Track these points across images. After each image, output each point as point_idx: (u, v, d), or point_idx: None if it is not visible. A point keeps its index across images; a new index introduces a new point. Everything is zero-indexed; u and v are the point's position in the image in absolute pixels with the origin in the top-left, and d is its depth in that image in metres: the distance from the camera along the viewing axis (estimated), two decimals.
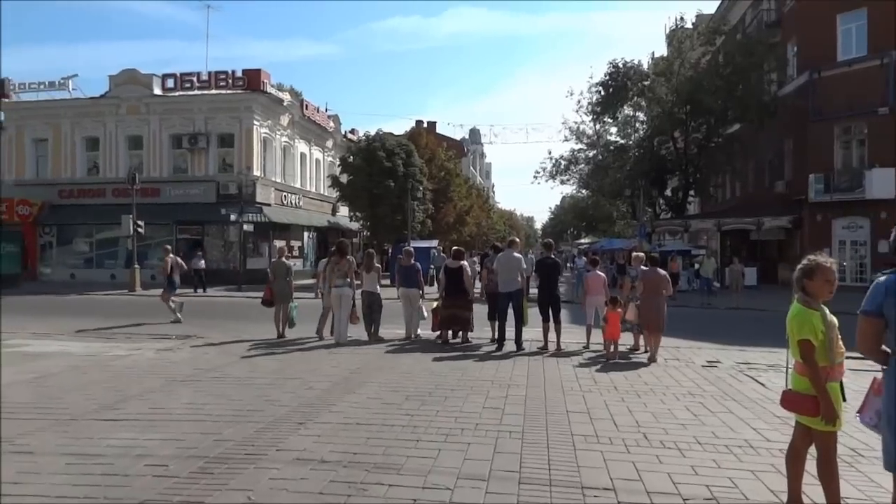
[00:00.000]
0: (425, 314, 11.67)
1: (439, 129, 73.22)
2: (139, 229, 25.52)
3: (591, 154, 38.48)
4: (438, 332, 11.37)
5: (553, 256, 11.13)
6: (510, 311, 10.38)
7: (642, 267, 10.14)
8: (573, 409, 6.23)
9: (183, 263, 16.46)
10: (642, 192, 32.78)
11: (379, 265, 11.95)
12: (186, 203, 29.97)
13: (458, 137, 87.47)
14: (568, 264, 37.87)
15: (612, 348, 9.58)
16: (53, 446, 5.06)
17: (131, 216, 25.16)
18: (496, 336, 10.55)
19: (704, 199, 38.42)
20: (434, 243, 31.74)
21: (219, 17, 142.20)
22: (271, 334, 11.93)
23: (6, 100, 32.00)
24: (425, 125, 62.47)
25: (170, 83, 30.85)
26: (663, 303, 9.37)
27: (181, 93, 30.82)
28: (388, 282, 19.61)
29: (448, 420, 5.78)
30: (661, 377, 8.03)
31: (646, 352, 9.99)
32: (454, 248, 12.01)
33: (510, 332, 10.40)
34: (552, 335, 10.29)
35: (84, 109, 31.68)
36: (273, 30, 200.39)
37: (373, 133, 34.32)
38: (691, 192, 34.79)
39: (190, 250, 28.75)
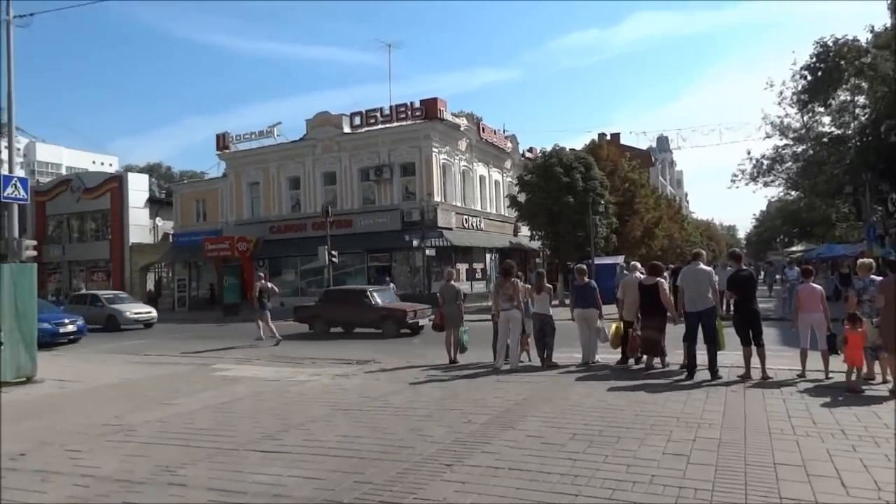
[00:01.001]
0: (607, 335, 10.61)
1: (623, 141, 70.27)
2: (333, 259, 27.32)
3: (799, 150, 33.88)
4: (622, 358, 10.31)
5: (746, 268, 9.53)
6: (700, 334, 8.99)
7: (873, 276, 8.21)
8: (783, 462, 4.91)
9: (275, 287, 18.16)
10: (868, 187, 27.86)
11: (550, 285, 11.15)
12: (375, 232, 31.67)
13: (644, 147, 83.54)
14: (777, 276, 33.54)
15: (853, 376, 7.84)
16: (206, 479, 5.04)
17: (326, 247, 27.04)
18: (686, 362, 9.20)
19: None
20: (620, 259, 29.91)
21: (401, 56, 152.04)
22: (445, 359, 11.69)
23: (227, 150, 36.61)
24: (608, 138, 60.15)
25: (357, 121, 33.05)
26: None
27: (367, 129, 32.84)
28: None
29: (617, 469, 4.83)
30: None
31: (884, 382, 8.00)
32: (652, 262, 10.82)
33: (702, 357, 9.00)
34: (755, 361, 8.69)
35: (287, 153, 35.12)
36: (452, 61, 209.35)
37: (549, 149, 33.54)
38: None
39: (379, 276, 30.33)
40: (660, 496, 4.25)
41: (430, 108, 31.32)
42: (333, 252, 27.39)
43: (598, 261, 27.67)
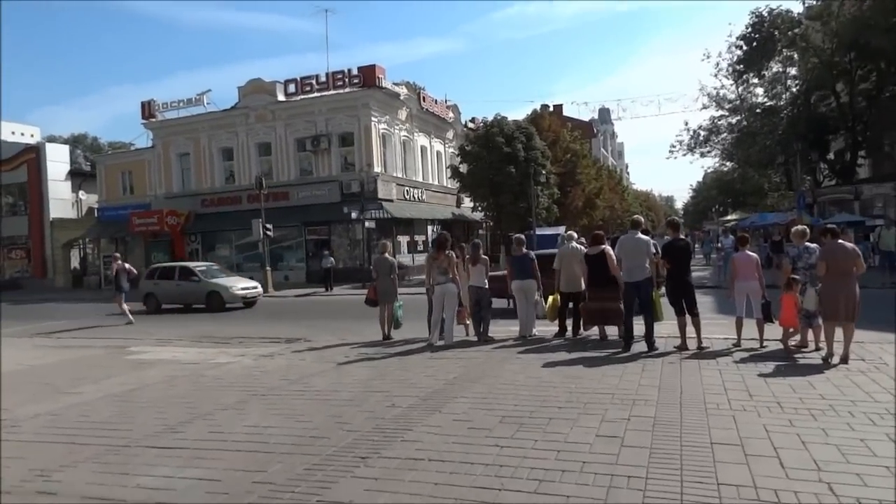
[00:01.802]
0: (544, 309, 10.31)
1: (566, 113, 70.33)
2: (268, 233, 26.27)
3: (734, 121, 34.56)
4: (559, 330, 10.04)
5: (683, 238, 9.30)
6: (637, 305, 8.75)
7: (808, 244, 8.14)
8: (720, 440, 4.62)
9: (132, 269, 17.82)
10: (799, 157, 28.71)
11: (486, 257, 10.69)
12: (313, 204, 30.63)
13: (586, 119, 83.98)
14: (714, 245, 34.35)
15: (784, 338, 7.98)
16: (82, 485, 4.39)
17: (261, 220, 25.93)
18: (622, 334, 8.97)
19: (877, 161, 33.10)
20: (561, 230, 29.91)
21: (339, 24, 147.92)
22: (380, 335, 11.18)
23: (153, 119, 34.59)
24: (550, 109, 60.04)
25: (291, 88, 31.68)
26: (855, 285, 7.36)
27: (302, 97, 31.52)
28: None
29: (546, 456, 4.44)
30: (844, 388, 6.09)
31: (817, 349, 7.95)
32: (594, 232, 10.47)
33: (639, 329, 8.77)
34: (691, 330, 8.52)
35: (218, 122, 33.42)
36: (393, 31, 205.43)
37: (491, 119, 33.06)
38: (861, 153, 29.96)
39: (318, 250, 29.44)
40: (590, 487, 3.86)
41: (368, 76, 30.25)
42: (268, 225, 26.34)
43: (539, 231, 27.60)
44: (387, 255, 11.41)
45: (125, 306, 17.02)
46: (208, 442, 5.27)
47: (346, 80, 30.54)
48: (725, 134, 35.63)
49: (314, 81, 31.13)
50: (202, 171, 33.96)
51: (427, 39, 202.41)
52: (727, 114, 34.64)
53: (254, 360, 9.72)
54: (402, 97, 33.08)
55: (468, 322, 10.57)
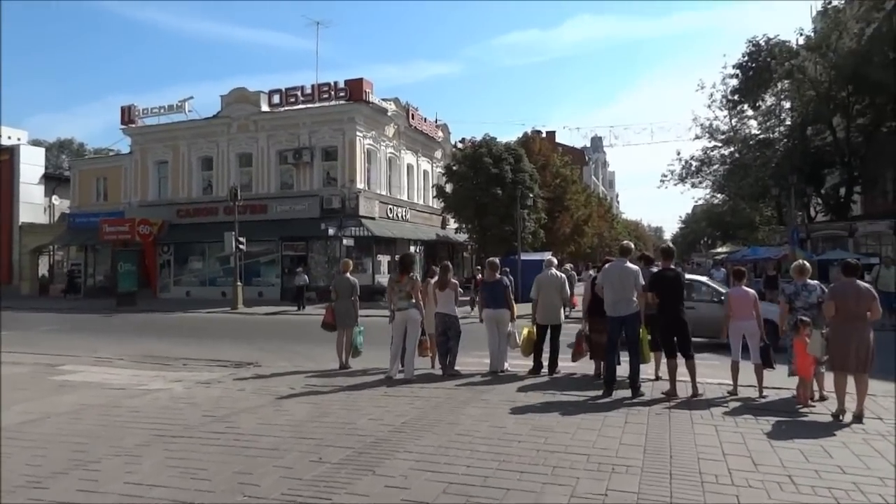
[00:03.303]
0: (518, 341, 9.25)
1: (558, 140, 69.85)
2: (241, 246, 25.10)
3: (726, 152, 33.96)
4: (534, 366, 8.97)
5: (674, 267, 8.21)
6: (621, 344, 7.71)
7: (808, 280, 7.20)
8: None
9: None
10: (793, 191, 27.96)
11: (455, 281, 9.61)
12: (292, 219, 29.47)
13: (578, 147, 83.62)
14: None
15: (801, 391, 6.92)
16: None
17: (233, 233, 24.77)
18: (602, 375, 7.91)
19: (872, 198, 32.52)
20: (547, 255, 28.95)
21: (334, 42, 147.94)
22: (336, 363, 10.05)
23: (132, 125, 33.46)
24: (543, 134, 59.51)
25: (276, 99, 30.68)
26: (870, 332, 6.37)
27: (286, 108, 30.55)
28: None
29: None
30: (866, 457, 5.03)
31: (821, 399, 6.96)
32: (606, 258, 9.44)
33: (622, 370, 7.72)
34: (682, 373, 7.47)
35: (199, 130, 32.30)
36: (391, 53, 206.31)
37: (479, 139, 32.20)
38: (856, 189, 29.31)
39: (293, 266, 28.24)
40: None
41: (355, 90, 29.32)
42: (241, 239, 25.15)
43: (524, 256, 26.59)
44: (348, 274, 10.30)
45: None
46: None
47: (333, 92, 29.60)
48: (717, 165, 35.06)
49: (299, 93, 30.17)
50: (180, 180, 32.75)
51: (426, 62, 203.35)
52: (720, 145, 34.09)
53: (187, 388, 8.55)
54: (389, 113, 32.18)
55: (430, 354, 9.47)
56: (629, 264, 7.87)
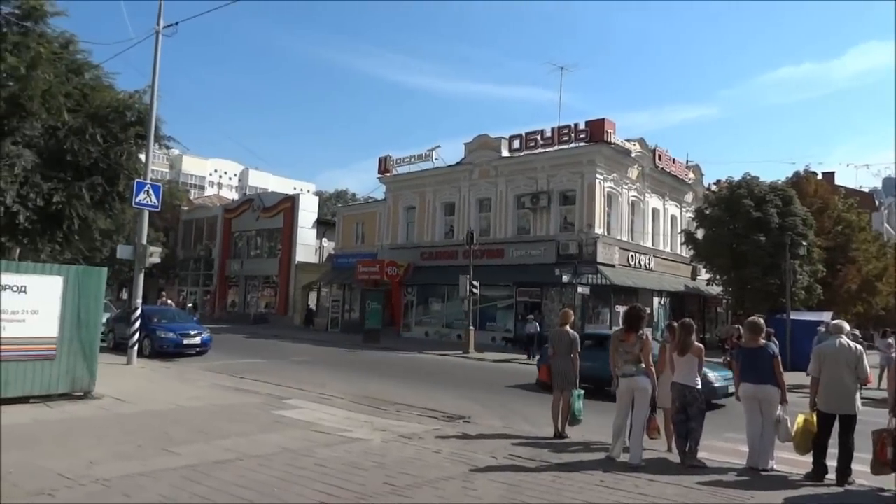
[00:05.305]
0: (790, 432, 6.91)
1: (838, 181, 59.81)
2: (474, 290, 25.05)
3: None
4: (814, 469, 6.58)
5: None
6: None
7: None
8: None
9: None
10: None
11: (700, 344, 7.59)
12: (527, 264, 28.86)
13: (866, 189, 71.14)
14: None
15: None
16: None
17: (468, 277, 24.86)
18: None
19: None
20: (826, 317, 23.95)
21: (579, 91, 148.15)
22: (552, 429, 8.69)
23: (387, 174, 36.36)
24: (819, 175, 51.34)
25: (516, 144, 30.77)
26: None
27: (526, 152, 30.42)
28: None
29: None
30: None
31: None
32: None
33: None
34: None
35: (444, 177, 33.81)
36: (637, 99, 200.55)
37: (737, 179, 28.39)
38: None
39: (526, 313, 27.44)
40: None
41: (596, 130, 28.04)
42: (475, 283, 25.13)
43: (794, 316, 22.35)
44: (567, 327, 8.89)
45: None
46: None
47: (573, 134, 28.68)
48: None
49: (539, 137, 29.84)
50: (425, 224, 34.47)
51: (678, 105, 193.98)
52: None
53: (384, 442, 7.90)
54: (633, 154, 30.18)
55: (660, 435, 7.56)
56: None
